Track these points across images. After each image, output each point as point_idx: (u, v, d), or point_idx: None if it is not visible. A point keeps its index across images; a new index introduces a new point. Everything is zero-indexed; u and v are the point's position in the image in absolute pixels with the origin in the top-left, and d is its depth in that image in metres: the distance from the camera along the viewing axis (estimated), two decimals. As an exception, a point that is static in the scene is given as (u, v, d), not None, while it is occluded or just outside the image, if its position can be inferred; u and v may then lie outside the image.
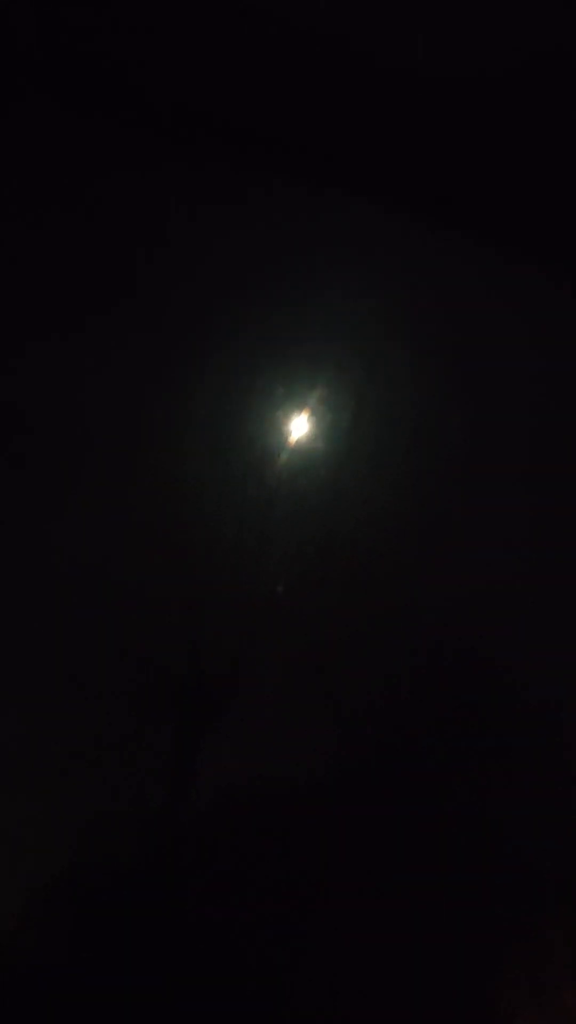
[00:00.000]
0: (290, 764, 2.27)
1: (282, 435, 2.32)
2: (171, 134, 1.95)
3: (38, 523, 2.28)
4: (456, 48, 1.77)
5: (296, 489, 2.34)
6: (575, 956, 2.32)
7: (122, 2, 1.80)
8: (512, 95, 1.82)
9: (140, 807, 2.24)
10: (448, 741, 2.28)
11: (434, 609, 2.26)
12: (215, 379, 2.15)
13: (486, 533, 2.29)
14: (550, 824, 2.33)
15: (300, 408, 2.34)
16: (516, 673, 2.33)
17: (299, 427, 2.30)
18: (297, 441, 2.30)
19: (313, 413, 2.36)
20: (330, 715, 2.23)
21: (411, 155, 1.94)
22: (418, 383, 2.13)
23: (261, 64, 1.82)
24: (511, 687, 2.34)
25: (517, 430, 2.19)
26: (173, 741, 2.31)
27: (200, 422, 2.24)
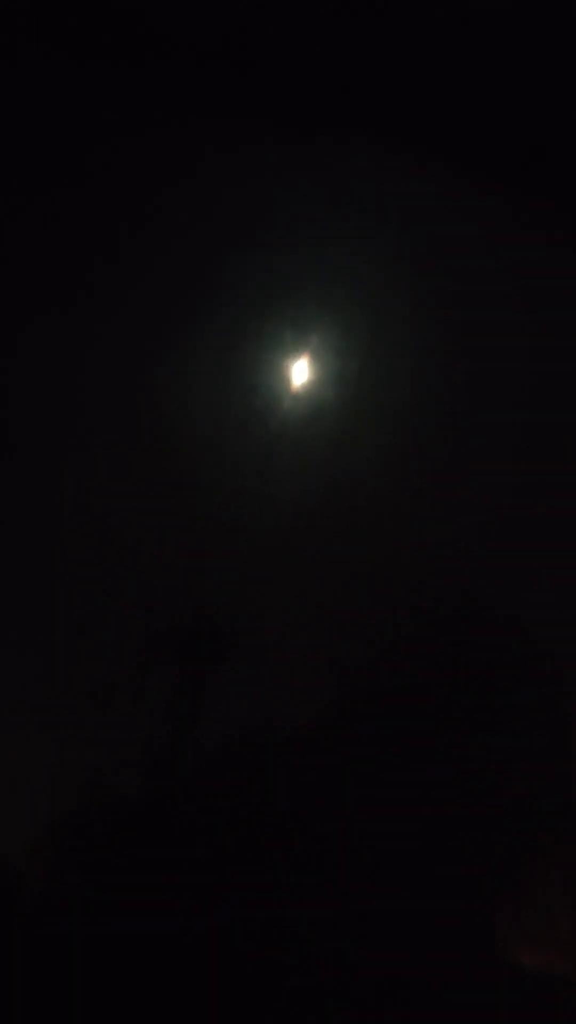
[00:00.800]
0: (293, 709, 2.32)
1: (284, 383, 2.32)
2: (161, 81, 1.91)
3: (38, 473, 2.29)
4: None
5: (299, 438, 2.36)
6: (573, 895, 2.40)
7: None
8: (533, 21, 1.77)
9: (146, 751, 2.29)
10: (452, 685, 2.32)
11: (438, 558, 2.29)
12: (217, 331, 2.15)
13: (490, 483, 2.31)
14: (551, 770, 2.39)
15: (302, 355, 2.33)
16: (520, 619, 2.37)
17: (301, 374, 2.30)
18: (299, 389, 2.30)
19: (316, 360, 2.35)
20: (333, 658, 2.28)
21: (411, 95, 1.90)
22: (422, 333, 2.12)
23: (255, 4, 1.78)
24: (515, 633, 2.39)
25: (520, 378, 2.19)
26: (177, 686, 2.36)
27: (202, 372, 2.25)
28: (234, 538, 2.34)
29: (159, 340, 2.35)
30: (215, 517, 2.36)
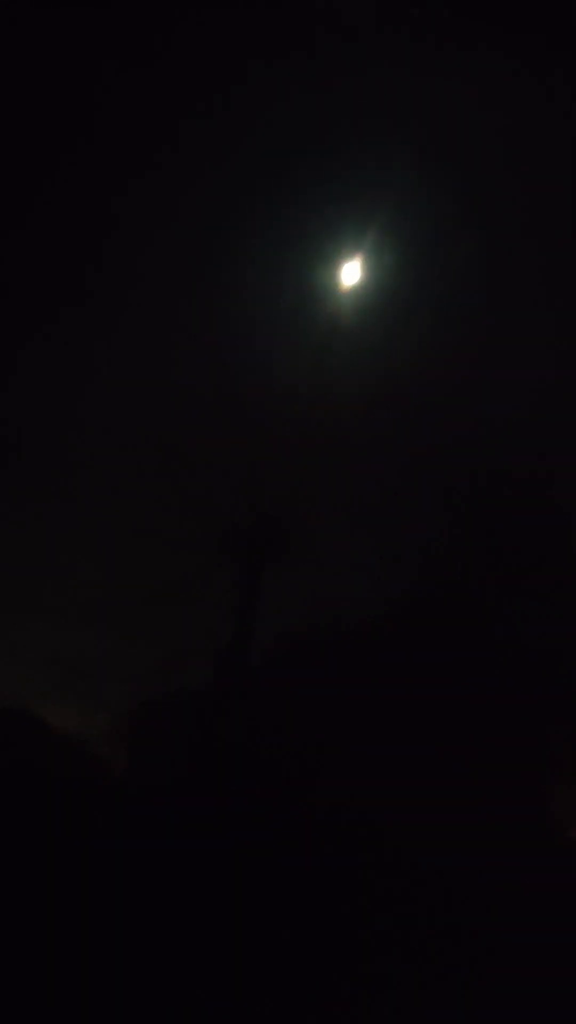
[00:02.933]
0: (350, 602, 2.41)
1: (334, 282, 2.33)
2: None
3: (105, 385, 2.37)
4: None
5: (349, 333, 2.37)
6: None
7: None
8: None
9: (210, 643, 2.43)
10: (507, 569, 2.36)
11: (487, 444, 2.30)
12: (270, 234, 2.16)
13: (533, 364, 2.30)
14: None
15: (352, 256, 2.35)
16: (564, 495, 2.39)
17: (351, 274, 2.31)
18: (349, 288, 2.31)
19: (365, 260, 2.37)
20: (387, 552, 2.32)
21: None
22: (465, 233, 2.08)
23: None
24: (562, 511, 2.40)
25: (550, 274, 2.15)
26: (239, 583, 2.46)
27: (253, 275, 2.27)
28: (289, 435, 2.38)
29: (214, 242, 2.35)
30: (269, 414, 2.40)
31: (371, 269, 6.43)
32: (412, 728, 8.81)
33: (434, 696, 9.14)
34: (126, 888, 5.07)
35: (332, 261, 6.40)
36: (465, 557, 9.78)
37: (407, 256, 6.58)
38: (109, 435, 9.20)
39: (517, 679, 9.42)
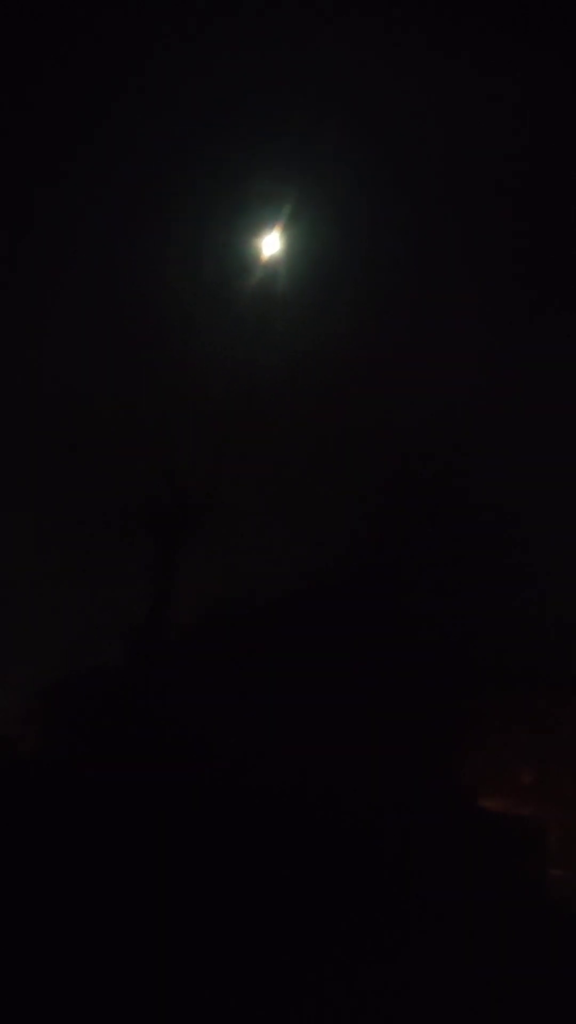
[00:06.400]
0: (266, 577, 2.39)
1: (257, 252, 2.28)
2: None
3: (22, 350, 2.27)
4: None
5: (273, 306, 2.34)
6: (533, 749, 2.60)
7: None
8: None
9: (127, 620, 2.38)
10: (425, 547, 2.40)
11: (411, 422, 2.31)
12: (194, 201, 2.10)
13: (466, 346, 2.32)
14: (519, 631, 2.52)
15: (275, 225, 2.30)
16: (491, 480, 2.44)
17: (273, 245, 2.27)
18: (272, 259, 2.26)
19: (292, 227, 2.32)
20: (305, 528, 2.32)
21: None
22: (405, 196, 2.07)
23: None
24: (488, 493, 2.45)
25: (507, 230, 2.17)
26: (156, 559, 2.41)
27: (178, 241, 2.21)
28: (207, 409, 2.34)
29: (142, 206, 2.28)
30: (188, 388, 2.36)
31: (290, 239, 6.39)
32: (326, 702, 8.95)
33: (347, 669, 9.29)
34: (50, 868, 5.00)
35: (252, 232, 6.33)
36: (380, 533, 9.94)
37: (326, 225, 6.54)
38: (19, 408, 8.91)
39: (428, 656, 9.66)
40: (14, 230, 8.54)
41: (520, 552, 9.79)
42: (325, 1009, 4.54)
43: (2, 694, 10.52)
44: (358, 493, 8.28)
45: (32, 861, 4.90)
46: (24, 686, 9.83)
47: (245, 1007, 4.35)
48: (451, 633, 9.77)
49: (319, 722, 9.09)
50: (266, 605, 9.94)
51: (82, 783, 5.84)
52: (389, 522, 9.14)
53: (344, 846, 6.06)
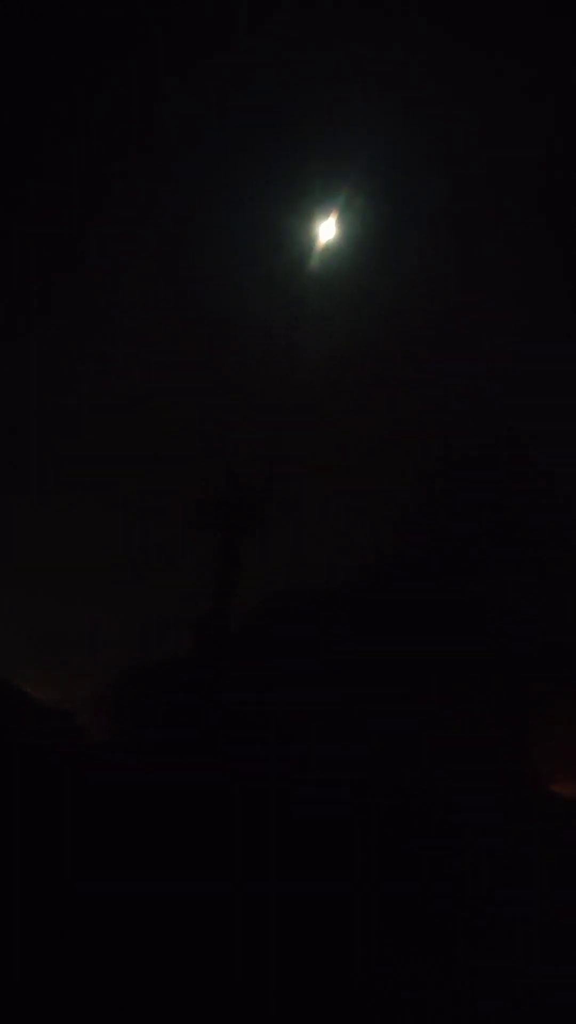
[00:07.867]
0: (327, 564, 2.40)
1: (309, 245, 2.30)
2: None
3: (77, 358, 2.32)
4: None
5: (322, 298, 2.35)
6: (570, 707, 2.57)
7: None
8: None
9: (189, 611, 2.42)
10: (483, 530, 2.38)
11: (469, 405, 2.29)
12: (245, 199, 2.12)
13: (507, 339, 2.30)
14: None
15: (326, 217, 2.32)
16: (537, 462, 2.41)
17: (326, 235, 2.28)
18: (323, 251, 2.28)
19: (340, 220, 2.34)
20: (361, 516, 2.32)
21: None
22: (445, 192, 2.06)
23: None
24: (534, 476, 2.41)
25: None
26: (217, 550, 2.44)
27: (227, 242, 2.24)
28: (263, 401, 2.36)
29: (188, 209, 2.31)
30: (244, 383, 2.38)
31: (346, 226, 6.36)
32: (394, 691, 8.92)
33: (414, 658, 9.25)
34: (113, 857, 5.12)
35: (309, 219, 6.32)
36: (443, 520, 9.83)
37: (382, 215, 6.50)
38: (83, 407, 9.10)
39: (495, 641, 9.54)
40: (81, 224, 8.74)
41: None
42: (401, 998, 4.55)
43: (74, 682, 10.82)
44: (418, 478, 8.21)
45: (103, 846, 5.03)
46: (96, 674, 10.08)
47: (344, 997, 4.38)
48: (520, 617, 9.63)
49: (387, 710, 9.07)
50: (329, 594, 9.95)
51: (152, 771, 5.96)
52: (451, 505, 9.04)
53: (418, 835, 6.05)
